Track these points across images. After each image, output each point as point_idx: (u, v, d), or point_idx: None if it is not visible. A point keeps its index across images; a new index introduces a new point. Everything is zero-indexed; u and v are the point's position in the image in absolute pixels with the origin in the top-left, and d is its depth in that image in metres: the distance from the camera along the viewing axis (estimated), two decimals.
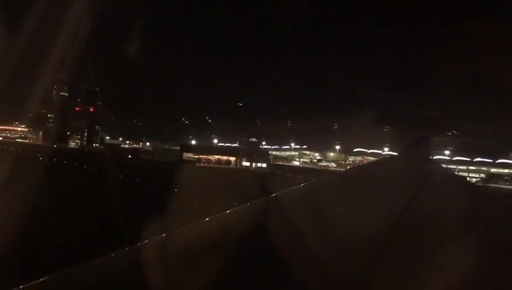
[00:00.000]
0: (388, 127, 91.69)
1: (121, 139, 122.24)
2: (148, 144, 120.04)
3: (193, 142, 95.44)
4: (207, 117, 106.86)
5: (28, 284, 2.36)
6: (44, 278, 2.39)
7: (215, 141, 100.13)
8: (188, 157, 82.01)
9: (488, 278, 3.23)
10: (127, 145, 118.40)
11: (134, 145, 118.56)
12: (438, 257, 3.44)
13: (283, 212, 4.22)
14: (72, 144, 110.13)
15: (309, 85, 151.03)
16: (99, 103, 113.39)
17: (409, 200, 4.90)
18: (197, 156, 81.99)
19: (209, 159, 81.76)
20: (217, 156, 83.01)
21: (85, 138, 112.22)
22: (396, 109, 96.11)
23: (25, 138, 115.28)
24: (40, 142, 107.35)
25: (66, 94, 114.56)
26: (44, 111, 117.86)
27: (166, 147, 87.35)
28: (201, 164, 76.48)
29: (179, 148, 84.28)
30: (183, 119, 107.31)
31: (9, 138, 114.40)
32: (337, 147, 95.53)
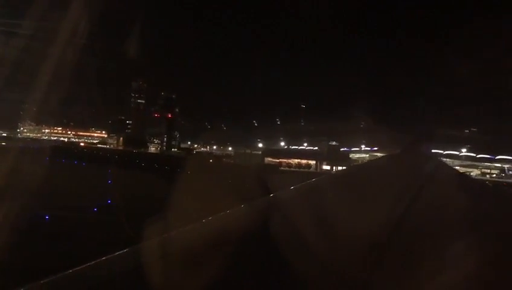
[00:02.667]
0: (471, 128, 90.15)
1: (189, 143, 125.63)
2: (214, 147, 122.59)
3: (260, 145, 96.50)
4: (277, 119, 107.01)
5: (28, 286, 2.32)
6: (44, 281, 2.36)
7: (282, 143, 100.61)
8: (269, 161, 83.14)
9: (492, 279, 3.09)
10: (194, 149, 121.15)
11: (202, 149, 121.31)
12: (441, 257, 3.36)
13: (284, 212, 4.18)
14: (152, 149, 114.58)
15: (381, 86, 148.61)
16: (177, 109, 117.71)
17: (412, 199, 4.78)
18: (277, 160, 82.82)
19: (289, 163, 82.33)
20: (297, 160, 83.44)
21: (164, 143, 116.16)
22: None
23: (104, 143, 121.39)
24: (120, 147, 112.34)
25: (143, 101, 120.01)
26: (123, 117, 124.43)
27: (248, 151, 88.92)
28: (282, 168, 76.95)
29: (260, 152, 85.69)
30: (254, 122, 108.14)
31: (89, 143, 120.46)
32: None
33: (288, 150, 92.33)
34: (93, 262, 2.60)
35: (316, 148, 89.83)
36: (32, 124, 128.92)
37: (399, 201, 4.60)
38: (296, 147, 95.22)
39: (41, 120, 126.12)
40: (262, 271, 3.10)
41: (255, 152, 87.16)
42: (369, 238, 3.56)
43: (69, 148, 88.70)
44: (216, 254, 3.04)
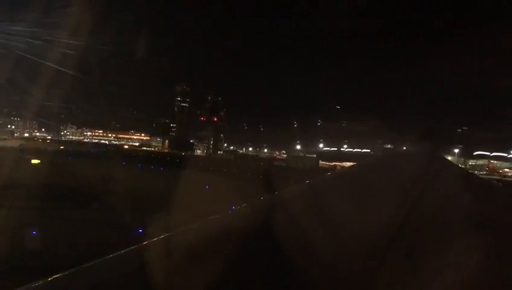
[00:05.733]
0: None
1: (225, 144, 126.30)
2: (250, 149, 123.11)
3: (298, 146, 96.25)
4: (319, 121, 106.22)
5: (32, 285, 2.29)
6: (45, 280, 2.36)
7: (321, 145, 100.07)
8: (322, 164, 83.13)
9: (496, 280, 3.07)
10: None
11: (239, 151, 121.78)
12: (446, 257, 3.34)
13: (287, 211, 4.17)
14: (198, 152, 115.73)
15: (427, 87, 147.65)
16: (222, 113, 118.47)
17: (416, 198, 4.74)
18: (331, 163, 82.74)
19: (343, 166, 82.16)
20: (350, 163, 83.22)
21: (211, 146, 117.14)
22: None
23: (147, 145, 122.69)
24: (166, 150, 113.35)
25: (188, 105, 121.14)
26: (166, 121, 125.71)
27: (301, 154, 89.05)
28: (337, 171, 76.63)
29: (314, 155, 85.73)
30: (294, 123, 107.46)
31: (132, 145, 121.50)
32: (456, 151, 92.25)
33: (342, 152, 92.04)
34: (95, 261, 2.64)
35: (369, 150, 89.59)
36: (74, 127, 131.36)
37: (403, 199, 4.61)
38: (356, 150, 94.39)
39: (83, 123, 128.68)
40: (265, 271, 3.12)
41: (309, 155, 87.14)
42: (372, 237, 3.56)
43: (127, 151, 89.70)
44: (218, 254, 3.08)
